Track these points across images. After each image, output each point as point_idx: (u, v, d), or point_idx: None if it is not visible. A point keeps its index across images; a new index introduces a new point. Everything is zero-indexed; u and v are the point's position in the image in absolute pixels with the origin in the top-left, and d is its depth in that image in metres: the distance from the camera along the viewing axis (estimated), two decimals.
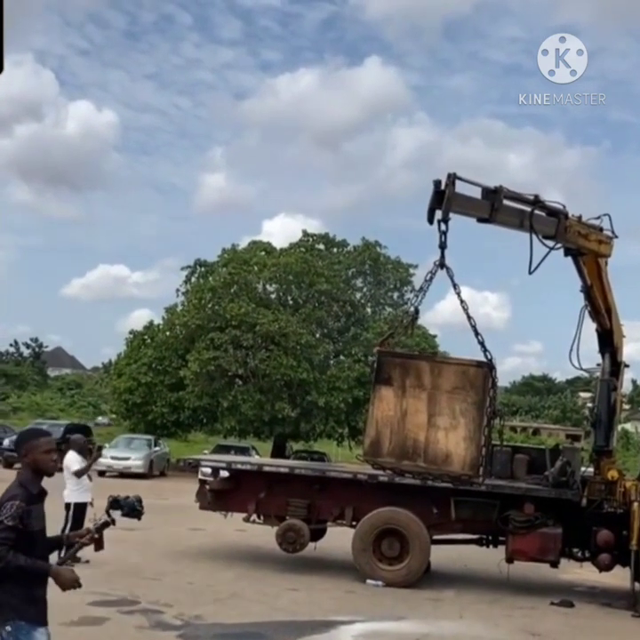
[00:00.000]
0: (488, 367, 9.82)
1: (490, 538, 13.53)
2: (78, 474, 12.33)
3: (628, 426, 49.90)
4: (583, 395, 66.46)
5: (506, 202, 10.99)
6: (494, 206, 10.77)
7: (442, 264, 9.98)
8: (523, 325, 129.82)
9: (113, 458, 31.20)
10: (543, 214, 11.48)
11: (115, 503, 5.03)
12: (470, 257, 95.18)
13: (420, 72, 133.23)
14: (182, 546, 15.03)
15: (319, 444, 41.14)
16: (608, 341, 13.34)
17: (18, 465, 4.84)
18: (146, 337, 39.28)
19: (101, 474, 28.76)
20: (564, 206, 11.74)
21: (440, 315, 73.08)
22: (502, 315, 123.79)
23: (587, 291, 12.87)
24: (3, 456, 30.09)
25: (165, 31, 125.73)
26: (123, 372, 38.70)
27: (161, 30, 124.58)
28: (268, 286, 37.56)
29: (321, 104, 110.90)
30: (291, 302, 37.44)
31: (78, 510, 12.15)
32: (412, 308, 10.60)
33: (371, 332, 34.58)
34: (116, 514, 5.02)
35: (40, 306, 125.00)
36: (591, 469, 13.35)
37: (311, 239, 40.04)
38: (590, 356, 13.97)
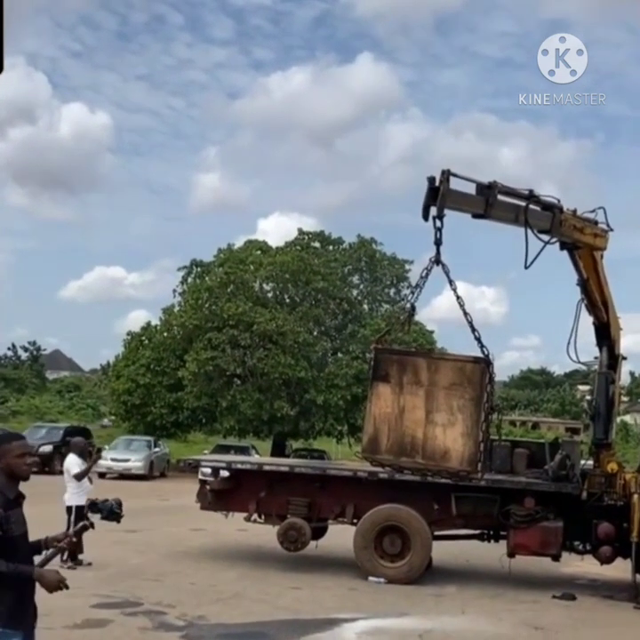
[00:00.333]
0: (485, 363, 9.84)
1: (491, 533, 13.54)
2: (78, 477, 12.33)
3: (628, 418, 50.00)
4: (582, 388, 66.54)
5: (500, 197, 11.01)
6: (489, 202, 10.78)
7: (437, 260, 9.99)
8: (520, 319, 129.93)
9: (113, 460, 31.21)
10: (538, 209, 11.50)
11: (93, 506, 5.05)
12: (467, 252, 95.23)
13: (412, 68, 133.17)
14: (184, 546, 15.03)
15: (319, 442, 41.17)
16: (605, 334, 13.37)
17: None
18: (143, 338, 39.27)
19: (102, 476, 28.77)
20: (559, 200, 11.77)
21: (437, 310, 72.95)
22: (500, 309, 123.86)
23: (583, 284, 12.90)
24: None
25: (157, 32, 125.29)
26: (121, 373, 38.68)
27: (152, 31, 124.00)
28: (264, 285, 37.56)
29: (314, 102, 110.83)
30: (287, 301, 37.44)
31: (80, 513, 12.14)
32: (409, 305, 10.62)
33: (368, 328, 34.59)
34: (95, 517, 5.02)
35: (37, 309, 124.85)
36: (591, 462, 13.39)
37: (307, 237, 40.03)
38: (588, 350, 14.02)
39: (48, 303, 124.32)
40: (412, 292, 10.54)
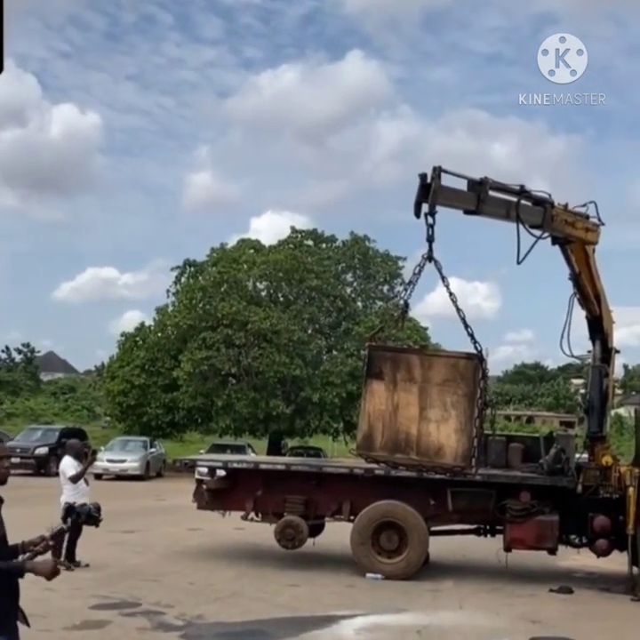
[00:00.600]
0: (478, 359, 9.85)
1: (487, 527, 13.60)
2: (74, 479, 12.31)
3: (622, 410, 50.05)
4: (575, 381, 66.76)
5: (492, 193, 11.01)
6: (480, 198, 10.78)
7: (430, 257, 9.98)
8: (513, 314, 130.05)
9: (109, 461, 31.23)
10: (529, 204, 11.50)
11: (70, 510, 5.05)
12: (459, 247, 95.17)
13: (401, 65, 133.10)
14: (181, 546, 15.05)
15: (314, 440, 41.22)
16: (598, 328, 13.41)
17: None
18: (138, 339, 39.27)
19: (98, 477, 28.76)
20: (550, 195, 11.77)
21: (431, 306, 73.01)
22: (493, 304, 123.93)
23: (575, 278, 12.94)
24: None
25: (146, 31, 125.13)
26: (116, 374, 38.67)
27: (142, 31, 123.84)
28: (258, 284, 37.58)
29: (304, 100, 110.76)
30: (281, 299, 37.47)
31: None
32: (402, 302, 10.63)
33: (362, 326, 34.63)
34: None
35: (30, 311, 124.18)
36: (586, 456, 13.43)
37: (299, 235, 40.06)
38: (581, 343, 14.08)
39: (41, 305, 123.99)
40: (406, 289, 10.52)
